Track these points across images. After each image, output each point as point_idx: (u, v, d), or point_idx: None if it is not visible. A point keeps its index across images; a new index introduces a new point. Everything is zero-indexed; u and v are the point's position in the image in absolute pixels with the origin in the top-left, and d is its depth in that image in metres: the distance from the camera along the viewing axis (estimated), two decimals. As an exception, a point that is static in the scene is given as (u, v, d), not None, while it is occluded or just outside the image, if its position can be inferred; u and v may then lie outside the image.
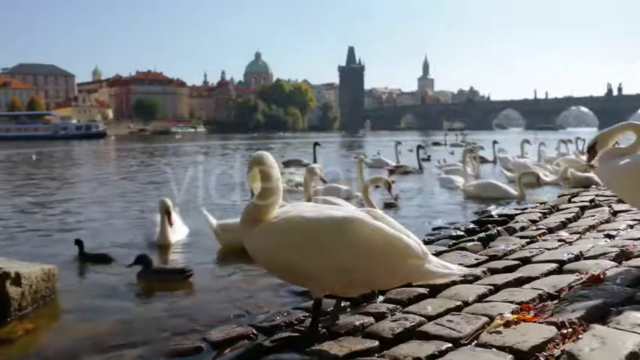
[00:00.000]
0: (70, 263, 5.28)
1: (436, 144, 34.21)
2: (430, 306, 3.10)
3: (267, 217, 2.83)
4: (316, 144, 17.73)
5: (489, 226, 5.63)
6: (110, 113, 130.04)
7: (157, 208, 6.07)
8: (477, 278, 3.64)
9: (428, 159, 18.32)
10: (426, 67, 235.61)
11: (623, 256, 3.74)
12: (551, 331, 2.43)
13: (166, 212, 5.86)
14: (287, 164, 17.52)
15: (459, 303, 3.12)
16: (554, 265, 3.71)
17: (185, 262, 5.31)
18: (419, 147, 15.98)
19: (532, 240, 4.82)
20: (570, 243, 4.50)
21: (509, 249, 4.47)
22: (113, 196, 11.06)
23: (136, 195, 11.16)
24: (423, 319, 2.92)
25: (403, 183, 11.98)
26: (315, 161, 17.12)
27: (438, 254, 4.39)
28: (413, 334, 2.74)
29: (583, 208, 6.24)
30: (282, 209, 2.92)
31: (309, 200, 6.13)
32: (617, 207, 5.95)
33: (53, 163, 23.68)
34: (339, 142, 48.06)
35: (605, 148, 3.74)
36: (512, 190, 9.19)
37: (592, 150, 3.83)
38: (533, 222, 5.77)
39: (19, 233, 6.97)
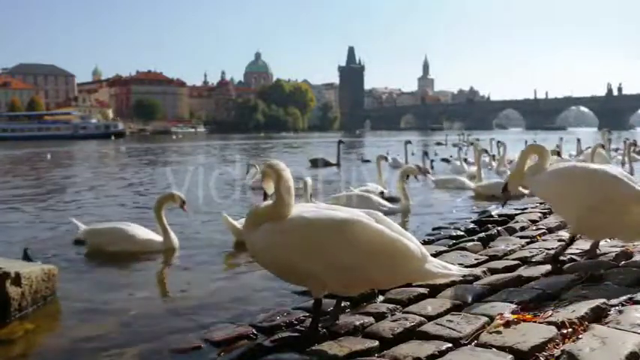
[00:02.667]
0: (70, 263, 5.29)
1: (439, 144, 34.43)
2: (430, 306, 3.10)
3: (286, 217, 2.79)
4: (340, 142, 18.03)
5: (489, 226, 5.62)
6: (110, 113, 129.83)
7: (154, 206, 5.74)
8: (476, 278, 3.64)
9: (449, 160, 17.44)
10: (426, 67, 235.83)
11: (623, 256, 3.74)
12: (551, 331, 2.44)
13: (182, 203, 5.70)
14: (314, 163, 17.65)
15: (458, 303, 3.12)
16: (557, 264, 3.71)
17: (185, 264, 5.32)
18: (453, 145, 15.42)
19: (532, 240, 4.82)
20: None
21: (509, 249, 4.47)
22: (118, 196, 11.08)
23: (135, 195, 11.17)
24: (423, 319, 2.92)
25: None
26: (338, 160, 17.29)
27: (437, 254, 4.39)
28: (413, 334, 2.74)
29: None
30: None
31: None
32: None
33: (66, 162, 24.02)
34: (334, 142, 48.03)
35: (517, 183, 4.30)
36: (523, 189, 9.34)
37: (505, 190, 4.30)
38: (533, 222, 5.77)
39: (19, 233, 6.97)
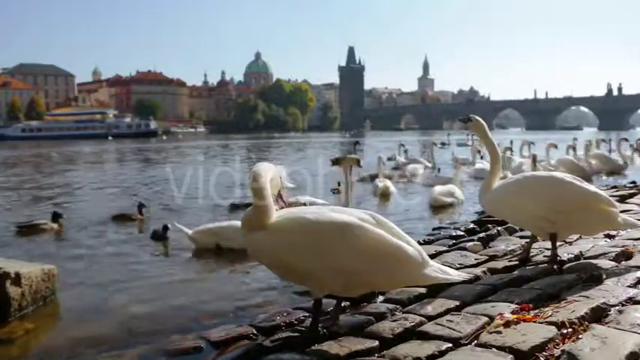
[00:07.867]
0: (71, 263, 5.29)
1: (443, 144, 34.47)
2: (430, 306, 3.10)
3: (269, 220, 2.80)
4: (357, 143, 18.64)
5: (489, 226, 5.62)
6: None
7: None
8: (477, 278, 3.64)
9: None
10: (426, 67, 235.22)
11: (623, 256, 3.74)
12: (551, 331, 2.44)
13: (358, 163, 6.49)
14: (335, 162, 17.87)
15: (458, 303, 3.12)
16: (554, 265, 3.71)
17: (184, 264, 5.32)
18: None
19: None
20: (570, 243, 4.50)
21: (509, 249, 4.47)
22: (123, 194, 11.09)
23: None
24: (423, 319, 2.92)
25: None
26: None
27: (437, 254, 4.40)
28: (413, 334, 2.74)
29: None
30: (283, 210, 2.92)
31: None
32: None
33: (71, 161, 24.37)
34: (335, 142, 48.06)
35: None
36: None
37: None
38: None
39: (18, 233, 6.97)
